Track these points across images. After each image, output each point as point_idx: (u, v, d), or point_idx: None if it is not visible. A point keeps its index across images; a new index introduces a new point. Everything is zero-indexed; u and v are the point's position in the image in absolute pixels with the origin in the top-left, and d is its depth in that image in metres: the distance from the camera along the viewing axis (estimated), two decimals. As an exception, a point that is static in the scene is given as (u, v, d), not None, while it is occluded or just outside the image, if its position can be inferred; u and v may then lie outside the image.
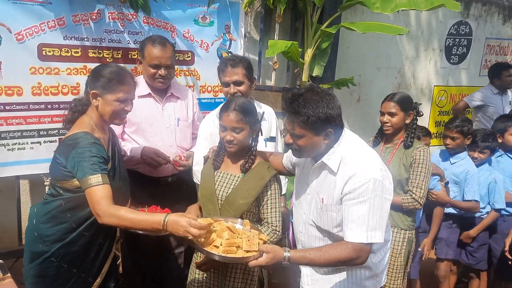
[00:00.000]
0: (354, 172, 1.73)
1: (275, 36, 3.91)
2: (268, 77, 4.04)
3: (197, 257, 2.18)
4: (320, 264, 1.76)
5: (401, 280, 2.77)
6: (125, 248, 2.93)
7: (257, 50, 3.91)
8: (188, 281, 2.24)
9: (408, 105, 2.70)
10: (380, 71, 4.84)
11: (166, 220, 1.74)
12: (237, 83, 2.48)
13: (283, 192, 2.71)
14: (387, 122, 2.71)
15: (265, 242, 1.81)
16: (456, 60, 5.41)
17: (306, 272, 2.03)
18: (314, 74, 4.08)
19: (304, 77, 3.98)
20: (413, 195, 2.62)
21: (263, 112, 2.30)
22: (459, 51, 5.39)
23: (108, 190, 1.86)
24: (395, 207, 2.63)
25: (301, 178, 2.05)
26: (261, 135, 2.25)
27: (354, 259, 1.70)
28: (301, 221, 1.99)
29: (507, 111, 4.84)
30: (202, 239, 1.78)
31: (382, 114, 2.75)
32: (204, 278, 2.13)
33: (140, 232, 1.93)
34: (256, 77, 3.15)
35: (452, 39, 5.26)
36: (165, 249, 2.84)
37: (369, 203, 1.68)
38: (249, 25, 3.88)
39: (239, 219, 1.98)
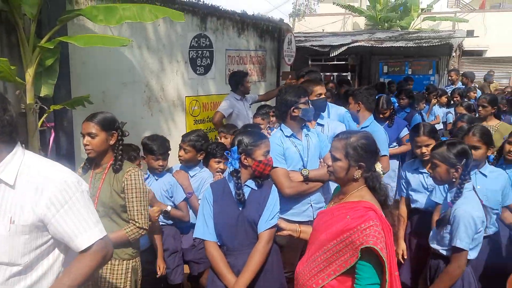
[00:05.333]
0: (43, 181, 1.57)
1: (-18, 54, 3.30)
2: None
3: None
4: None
5: None
6: None
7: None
8: None
9: (109, 124, 2.55)
10: (126, 86, 4.68)
11: None
12: None
13: None
14: (88, 145, 2.51)
15: None
16: (202, 71, 5.70)
17: None
18: (42, 95, 3.63)
19: (29, 98, 3.48)
20: (137, 224, 2.53)
21: None
22: (204, 62, 5.70)
23: None
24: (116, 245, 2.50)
25: None
26: None
27: (104, 258, 1.69)
28: None
29: (250, 115, 5.31)
30: None
31: (83, 136, 2.55)
32: None
33: None
34: None
35: (195, 51, 5.52)
36: None
37: (81, 203, 1.61)
38: None
39: None
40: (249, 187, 2.47)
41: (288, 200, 3.02)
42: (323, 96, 3.55)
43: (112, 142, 2.54)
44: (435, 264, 2.62)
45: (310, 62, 12.89)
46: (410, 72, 12.64)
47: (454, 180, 2.55)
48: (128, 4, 3.71)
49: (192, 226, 3.05)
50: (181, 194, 3.22)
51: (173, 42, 5.18)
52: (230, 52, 6.15)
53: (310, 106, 3.16)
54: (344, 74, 13.08)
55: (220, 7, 5.82)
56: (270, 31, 7.04)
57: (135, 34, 4.66)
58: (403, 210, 3.30)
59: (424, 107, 6.57)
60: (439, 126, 7.30)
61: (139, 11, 3.54)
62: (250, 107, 5.45)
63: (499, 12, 21.25)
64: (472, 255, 2.48)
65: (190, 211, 3.31)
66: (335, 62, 12.84)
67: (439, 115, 7.34)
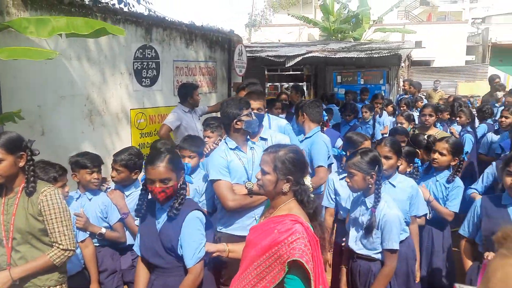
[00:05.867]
0: None
1: None
2: None
3: None
4: None
5: None
6: None
7: None
8: None
9: (16, 145, 2.34)
10: (65, 99, 4.47)
11: None
12: None
13: None
14: None
15: None
16: (148, 83, 5.56)
17: None
18: (-33, 111, 3.41)
19: (-48, 115, 3.26)
20: (61, 246, 2.37)
21: None
22: (150, 74, 5.56)
23: None
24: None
25: None
26: None
27: None
28: None
29: (200, 128, 5.21)
30: None
31: None
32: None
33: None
34: None
35: (140, 63, 5.37)
36: None
37: None
38: None
39: None
40: (166, 210, 2.39)
41: (232, 214, 2.97)
42: (255, 111, 3.54)
43: (21, 164, 2.35)
44: (365, 268, 2.70)
45: (266, 72, 12.99)
46: (362, 82, 12.97)
47: (370, 186, 2.66)
48: (62, 17, 3.56)
49: (131, 247, 2.94)
50: (116, 215, 3.08)
51: (115, 53, 5.02)
52: (178, 63, 6.05)
53: (254, 118, 3.13)
54: (300, 84, 13.26)
55: (166, 18, 5.72)
56: (220, 42, 7.01)
57: (74, 45, 4.48)
58: (329, 221, 3.32)
59: (370, 116, 6.71)
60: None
61: (73, 22, 3.39)
62: (199, 119, 5.36)
63: (445, 24, 22.38)
64: None
65: (128, 232, 3.17)
66: (290, 72, 13.00)
67: (387, 124, 7.52)
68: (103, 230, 3.02)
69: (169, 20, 5.78)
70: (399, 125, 5.39)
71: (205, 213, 2.49)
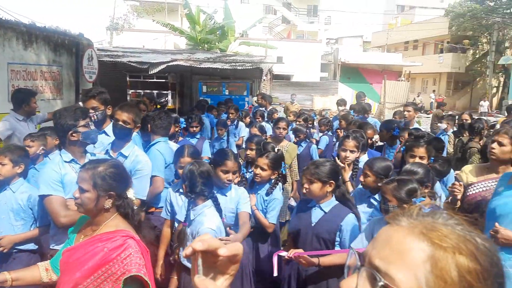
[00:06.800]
0: None
1: None
2: None
3: None
4: None
5: None
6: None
7: None
8: None
9: None
10: None
11: None
12: None
13: None
14: None
15: None
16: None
17: None
18: None
19: None
20: None
21: None
22: (-24, 77, 4.91)
23: None
24: None
25: None
26: None
27: None
28: None
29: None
30: None
31: None
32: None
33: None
34: None
35: (-38, 63, 4.71)
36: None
37: None
38: None
39: None
40: None
41: (65, 231, 2.75)
42: (121, 123, 3.39)
43: None
44: (187, 278, 2.81)
45: (128, 79, 12.54)
46: (227, 93, 13.35)
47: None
48: None
49: None
50: None
51: None
52: (13, 66, 5.44)
53: (92, 127, 2.98)
54: (164, 92, 13.10)
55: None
56: (66, 45, 6.52)
57: None
58: (167, 232, 3.32)
59: (225, 133, 6.88)
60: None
61: None
62: (36, 127, 4.89)
63: (303, 42, 24.41)
64: None
65: None
66: (155, 80, 12.74)
67: (243, 135, 7.82)
68: None
69: (2, 18, 5.17)
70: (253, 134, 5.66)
71: None
